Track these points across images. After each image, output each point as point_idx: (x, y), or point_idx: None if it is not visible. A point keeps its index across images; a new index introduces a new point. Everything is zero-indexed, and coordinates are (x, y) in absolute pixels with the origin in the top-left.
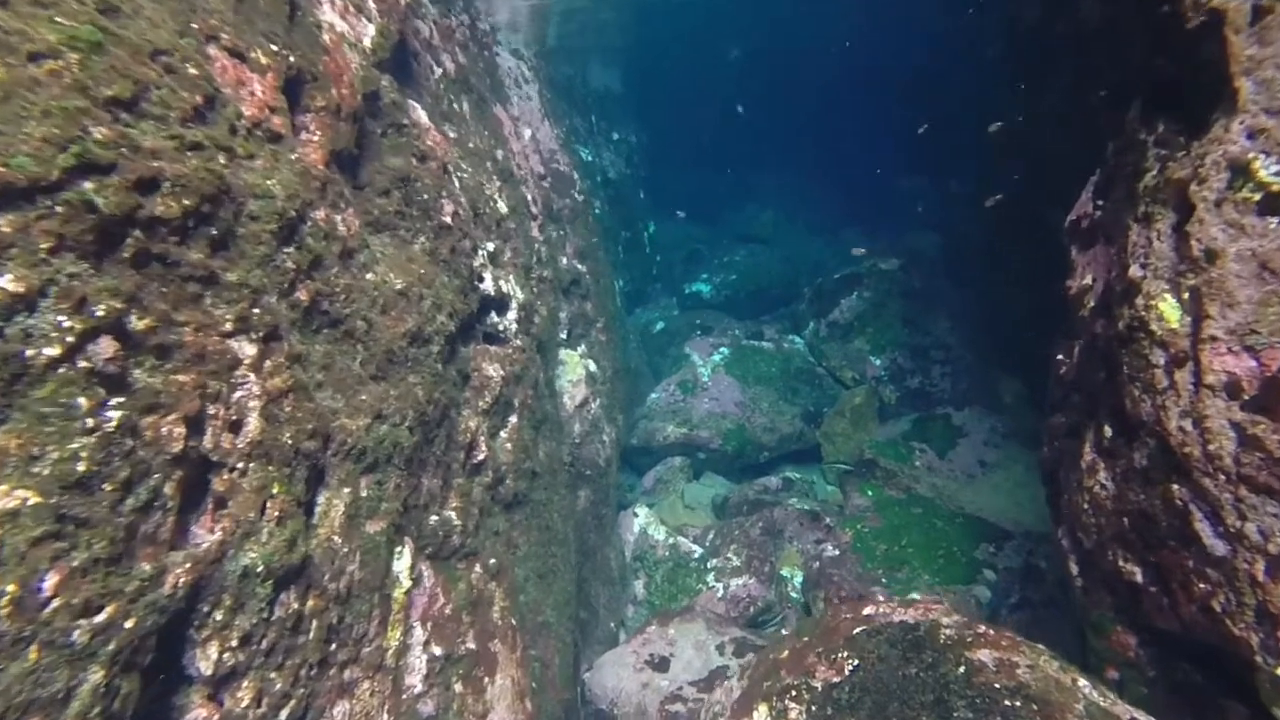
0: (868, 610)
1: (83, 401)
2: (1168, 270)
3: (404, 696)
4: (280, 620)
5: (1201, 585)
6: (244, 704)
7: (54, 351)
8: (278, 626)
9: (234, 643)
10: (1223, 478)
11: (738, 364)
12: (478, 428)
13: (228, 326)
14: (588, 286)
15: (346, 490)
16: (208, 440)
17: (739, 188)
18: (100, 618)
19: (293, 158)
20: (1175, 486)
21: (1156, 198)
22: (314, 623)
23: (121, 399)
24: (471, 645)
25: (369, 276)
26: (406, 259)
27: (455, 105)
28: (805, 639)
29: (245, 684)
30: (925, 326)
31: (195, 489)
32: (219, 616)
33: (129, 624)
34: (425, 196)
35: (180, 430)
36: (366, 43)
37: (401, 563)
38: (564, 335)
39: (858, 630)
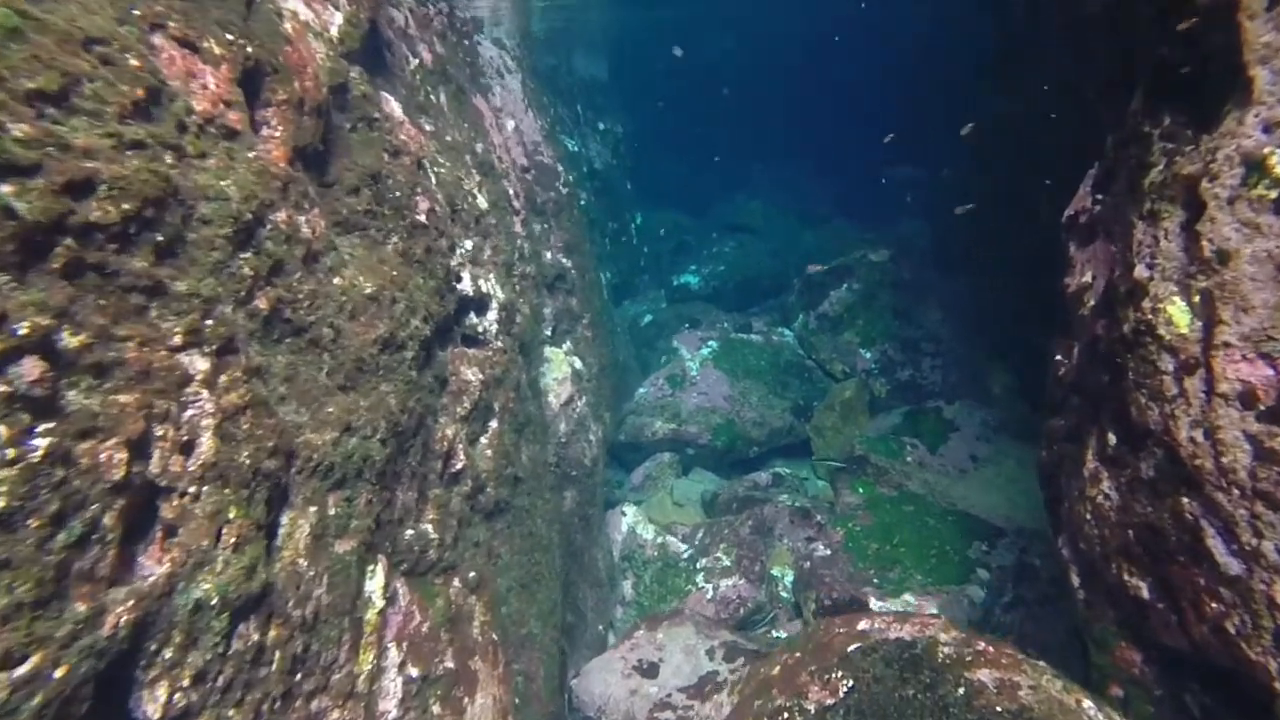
0: (862, 624)
1: (1, 430)
2: (1176, 271)
3: None
4: (239, 654)
5: (1214, 605)
6: None
7: None
8: (236, 660)
9: (186, 682)
10: (1237, 493)
11: (726, 357)
12: (456, 435)
13: (177, 340)
14: (573, 281)
15: (313, 509)
16: (155, 464)
17: (728, 177)
18: (23, 670)
19: (250, 156)
20: (1185, 500)
21: (1163, 194)
22: (277, 653)
23: (51, 424)
24: (450, 664)
25: (336, 281)
26: (378, 260)
27: (432, 97)
28: (797, 654)
29: None
30: (915, 318)
31: (142, 517)
32: (169, 654)
33: (59, 673)
34: (398, 194)
35: (122, 455)
36: (334, 32)
37: (374, 582)
38: (549, 332)
39: (852, 648)
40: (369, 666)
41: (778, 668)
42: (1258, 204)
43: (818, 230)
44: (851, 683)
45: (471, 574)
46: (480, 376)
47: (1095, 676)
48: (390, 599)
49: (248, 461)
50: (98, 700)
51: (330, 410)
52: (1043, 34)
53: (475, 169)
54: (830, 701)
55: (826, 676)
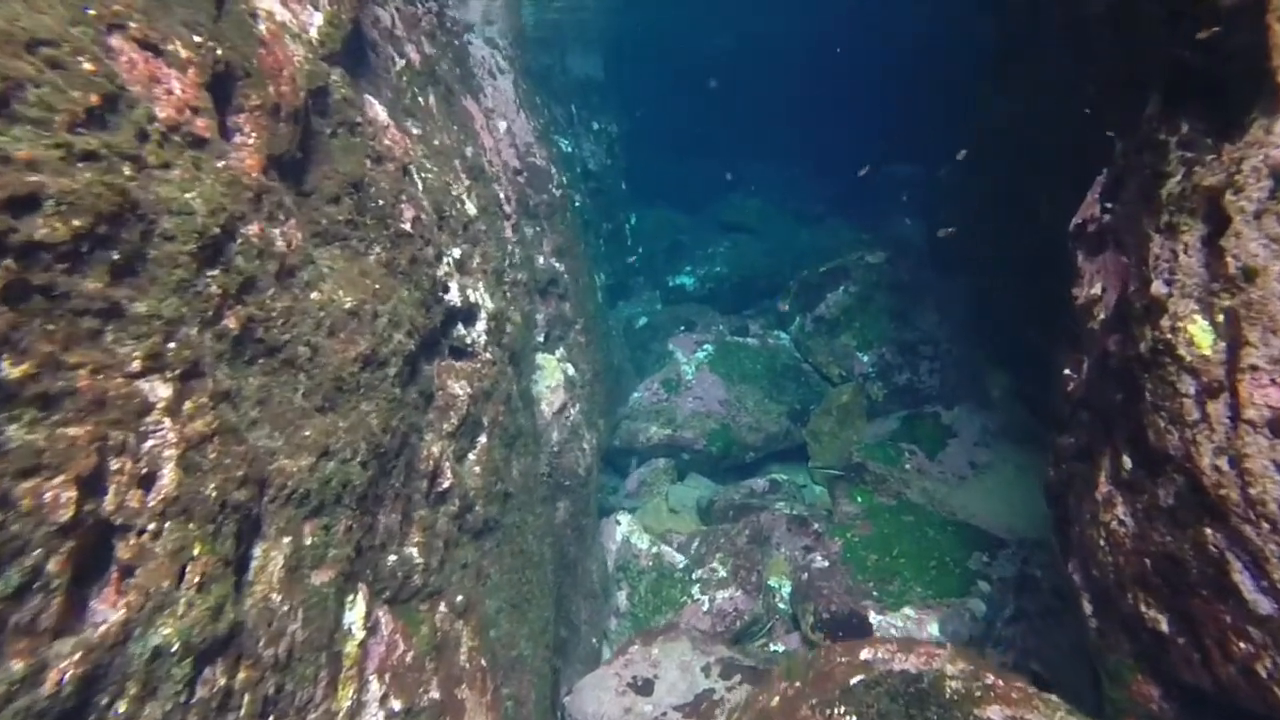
0: (865, 653)
1: None
2: (1197, 288)
3: None
4: (204, 701)
5: (1242, 645)
6: None
7: None
8: (200, 709)
9: None
10: (1267, 526)
11: (722, 361)
12: (442, 453)
13: (135, 366)
14: (566, 286)
15: (287, 540)
16: (109, 501)
17: (723, 176)
18: None
19: (219, 165)
20: (1209, 531)
21: (1182, 206)
22: (246, 697)
23: None
24: (435, 694)
25: (314, 296)
26: (359, 273)
27: (420, 99)
28: (797, 684)
29: None
30: (913, 320)
31: (96, 558)
32: (122, 708)
33: None
34: (381, 202)
35: (70, 494)
36: (313, 33)
37: (354, 612)
38: (541, 338)
39: (855, 680)
40: (348, 703)
41: (777, 698)
42: None
43: (814, 229)
44: (854, 719)
45: (459, 598)
46: (468, 390)
47: (1110, 710)
48: (372, 629)
49: (214, 493)
50: None
51: (307, 433)
52: (1043, 33)
53: (464, 173)
54: None
55: (828, 711)
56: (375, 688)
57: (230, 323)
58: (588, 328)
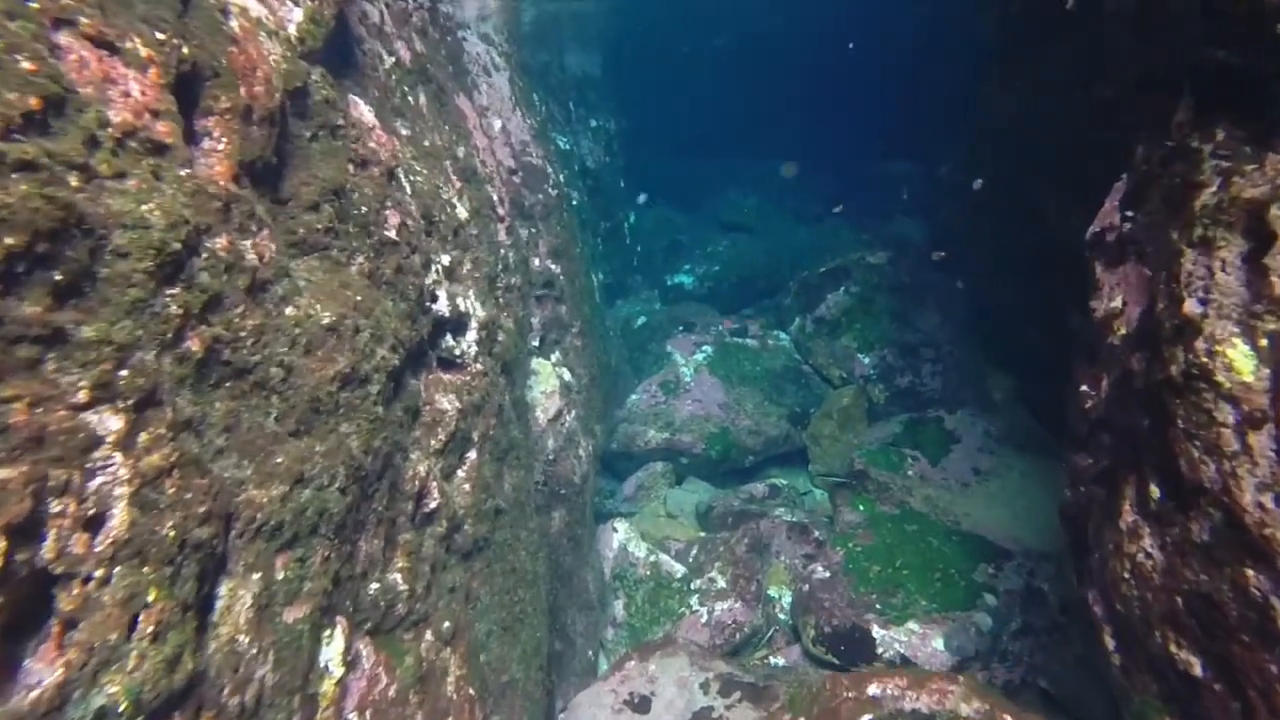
0: (872, 689)
1: None
2: (1236, 309)
3: None
4: None
5: None
6: None
7: None
8: None
9: None
10: None
11: (721, 363)
12: (429, 472)
13: (81, 397)
14: (562, 288)
15: (256, 576)
16: (48, 549)
17: (721, 173)
18: None
19: (183, 174)
20: (1250, 573)
21: (1218, 219)
22: None
23: None
24: None
25: (289, 311)
26: (339, 285)
27: (410, 99)
28: (801, 719)
29: None
30: (914, 322)
31: (33, 612)
32: None
33: None
34: (364, 209)
35: None
36: (291, 30)
37: (332, 648)
38: (536, 343)
39: (863, 719)
40: None
41: None
42: None
43: (813, 228)
44: None
45: (446, 624)
46: (457, 404)
47: None
48: (351, 664)
49: (173, 532)
50: None
51: (279, 460)
52: (1046, 31)
53: (456, 175)
54: None
55: None
56: None
57: (193, 345)
58: (584, 330)
